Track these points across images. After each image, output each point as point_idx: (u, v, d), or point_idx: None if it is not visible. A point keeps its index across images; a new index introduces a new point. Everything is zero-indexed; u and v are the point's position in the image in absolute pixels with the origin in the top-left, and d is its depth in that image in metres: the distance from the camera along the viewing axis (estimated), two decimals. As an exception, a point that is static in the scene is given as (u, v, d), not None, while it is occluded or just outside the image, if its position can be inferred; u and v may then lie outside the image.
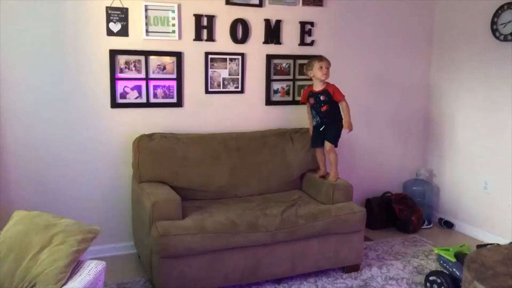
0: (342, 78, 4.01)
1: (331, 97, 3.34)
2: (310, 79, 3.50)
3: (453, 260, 2.88)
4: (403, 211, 4.07)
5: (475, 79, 3.99)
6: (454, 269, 2.87)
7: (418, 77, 4.41)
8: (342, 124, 3.39)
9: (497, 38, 3.73)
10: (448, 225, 4.24)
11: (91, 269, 2.10)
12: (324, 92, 3.35)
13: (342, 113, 3.39)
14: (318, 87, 3.39)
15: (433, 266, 3.40)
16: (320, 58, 3.39)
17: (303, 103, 3.60)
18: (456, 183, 4.23)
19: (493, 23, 3.74)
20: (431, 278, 3.00)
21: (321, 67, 3.34)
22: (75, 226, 2.20)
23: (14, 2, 3.01)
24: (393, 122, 4.38)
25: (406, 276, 3.27)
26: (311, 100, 3.43)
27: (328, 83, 3.39)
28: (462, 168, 4.17)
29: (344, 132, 3.40)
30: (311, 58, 3.47)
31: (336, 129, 3.40)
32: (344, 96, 3.36)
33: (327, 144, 3.40)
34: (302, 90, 3.72)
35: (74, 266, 2.09)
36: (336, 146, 3.41)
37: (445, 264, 2.94)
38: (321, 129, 3.41)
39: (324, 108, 3.36)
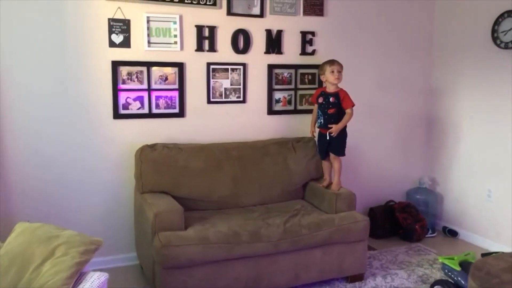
0: (344, 86, 4.03)
1: (341, 102, 3.33)
2: (312, 89, 3.50)
3: (458, 269, 2.86)
4: (407, 220, 4.05)
5: (477, 87, 3.99)
6: (459, 278, 2.85)
7: (420, 85, 4.42)
8: (346, 133, 3.38)
9: (498, 46, 3.73)
10: (452, 233, 4.21)
11: (94, 280, 2.09)
12: (335, 94, 3.35)
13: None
14: (330, 89, 3.39)
15: (438, 275, 3.37)
16: (331, 62, 3.37)
17: (313, 104, 3.59)
18: (460, 192, 4.21)
19: (493, 31, 3.75)
20: (436, 287, 2.98)
21: (333, 71, 3.33)
22: (77, 237, 2.19)
23: (15, 14, 3.03)
24: (395, 131, 4.37)
25: (411, 286, 3.24)
26: (320, 99, 3.41)
27: (341, 88, 3.38)
28: (465, 176, 4.15)
29: (329, 130, 3.35)
30: (323, 62, 3.44)
31: (340, 141, 3.38)
32: (353, 105, 3.35)
33: (332, 155, 3.41)
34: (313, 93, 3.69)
35: (76, 278, 2.08)
36: (343, 155, 3.41)
37: (450, 273, 2.92)
38: (327, 140, 3.39)
39: (331, 111, 3.34)
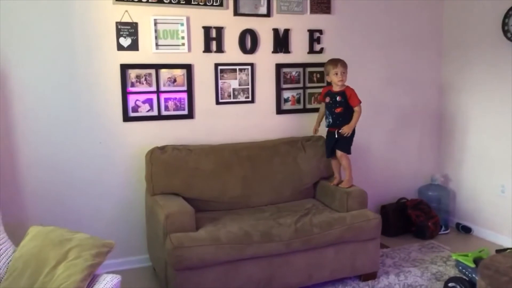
0: (353, 83, 4.00)
1: (347, 100, 3.32)
2: (321, 87, 3.48)
3: (472, 265, 2.83)
4: (420, 217, 4.02)
5: (488, 80, 3.94)
6: (474, 275, 2.82)
7: (430, 80, 4.38)
8: (354, 131, 3.36)
9: (508, 39, 3.68)
10: (466, 230, 4.17)
11: (107, 283, 2.10)
12: (341, 93, 3.33)
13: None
14: (336, 88, 3.37)
15: (452, 272, 3.34)
16: (335, 63, 3.34)
17: (320, 102, 3.58)
18: (473, 187, 4.16)
19: (504, 24, 3.70)
20: (450, 284, 2.95)
21: (336, 73, 3.32)
22: (89, 240, 2.21)
23: (23, 19, 3.06)
24: (406, 127, 4.34)
25: (424, 283, 3.21)
26: (327, 99, 3.40)
27: (347, 86, 3.37)
28: (478, 171, 4.10)
29: (342, 131, 3.34)
30: (327, 61, 3.42)
31: (348, 139, 3.37)
32: (360, 102, 3.33)
33: (338, 152, 3.39)
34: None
35: (89, 281, 2.09)
36: (349, 153, 3.39)
37: (464, 270, 2.89)
38: (335, 138, 3.39)
39: (338, 110, 3.33)
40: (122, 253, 3.35)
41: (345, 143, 3.37)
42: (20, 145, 3.17)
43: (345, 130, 3.31)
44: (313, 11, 3.81)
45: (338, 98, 3.33)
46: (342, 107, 3.33)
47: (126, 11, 3.28)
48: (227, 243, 2.79)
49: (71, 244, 2.16)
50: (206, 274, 2.77)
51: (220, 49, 3.56)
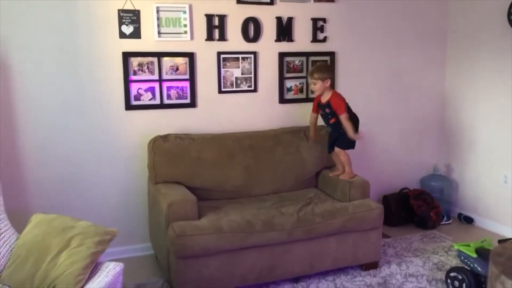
0: (356, 73, 3.99)
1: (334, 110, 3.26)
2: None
3: (475, 255, 2.83)
4: (422, 207, 4.02)
5: (493, 72, 3.91)
6: (476, 265, 2.82)
7: (434, 71, 4.35)
8: (356, 121, 3.34)
9: (514, 29, 3.65)
10: (468, 220, 4.17)
11: (109, 270, 2.11)
12: (328, 104, 3.28)
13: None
14: (324, 98, 3.32)
15: (454, 262, 3.34)
16: (309, 73, 3.37)
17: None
18: (475, 178, 4.15)
19: (509, 13, 3.66)
20: (452, 274, 2.95)
21: (311, 83, 3.34)
22: (92, 228, 2.21)
23: (25, 9, 3.04)
24: (409, 117, 4.32)
25: (426, 273, 3.22)
26: (320, 111, 3.38)
27: (333, 94, 3.29)
28: (481, 162, 4.09)
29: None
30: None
31: (347, 140, 3.31)
32: (344, 109, 3.22)
33: (337, 148, 3.37)
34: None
35: (92, 268, 2.11)
36: (345, 149, 3.34)
37: (466, 260, 2.89)
38: (335, 136, 3.35)
39: (332, 121, 3.30)
40: (125, 241, 3.36)
41: (344, 142, 3.32)
42: (22, 133, 3.16)
43: (353, 139, 3.27)
44: (317, -1, 3.77)
45: (327, 110, 3.30)
46: (334, 118, 3.29)
47: (128, -2, 3.26)
48: (229, 231, 2.80)
49: (74, 232, 2.16)
50: (208, 262, 2.78)
51: (222, 37, 3.53)
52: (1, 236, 2.22)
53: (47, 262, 2.08)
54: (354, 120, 3.32)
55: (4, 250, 2.19)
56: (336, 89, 3.88)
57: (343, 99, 3.29)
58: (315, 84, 3.30)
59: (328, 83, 3.29)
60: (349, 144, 3.34)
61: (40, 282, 2.05)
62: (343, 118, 3.24)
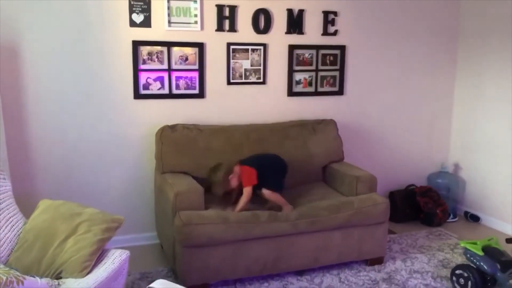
0: (366, 68, 3.96)
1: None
2: (333, 70, 3.43)
3: (481, 253, 2.81)
4: (428, 204, 4.00)
5: (503, 71, 3.86)
6: (482, 263, 2.80)
7: (444, 68, 4.31)
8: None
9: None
10: (474, 218, 4.15)
11: (116, 258, 2.12)
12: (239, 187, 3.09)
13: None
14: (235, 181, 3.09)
15: (459, 259, 3.33)
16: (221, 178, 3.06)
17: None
18: (482, 176, 4.12)
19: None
20: (457, 271, 2.94)
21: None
22: (99, 215, 2.22)
23: (39, -6, 3.05)
24: (418, 114, 4.29)
25: (431, 270, 3.21)
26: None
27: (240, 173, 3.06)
28: (488, 160, 4.06)
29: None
30: None
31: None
32: (249, 182, 3.03)
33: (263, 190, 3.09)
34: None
35: (98, 255, 2.12)
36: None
37: (472, 258, 2.88)
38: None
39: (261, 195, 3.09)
40: (131, 230, 3.38)
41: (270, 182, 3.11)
42: (30, 120, 3.17)
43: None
44: (329, -8, 3.74)
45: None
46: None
47: (139, -14, 3.25)
48: (235, 222, 2.80)
49: (81, 218, 2.18)
50: (214, 252, 2.79)
51: (232, 28, 3.52)
52: (9, 220, 2.24)
53: (54, 248, 2.10)
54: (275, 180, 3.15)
55: (12, 234, 2.21)
56: (345, 84, 3.87)
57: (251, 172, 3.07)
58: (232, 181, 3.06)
59: (236, 170, 3.07)
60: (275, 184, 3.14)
61: (47, 267, 2.07)
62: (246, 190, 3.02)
